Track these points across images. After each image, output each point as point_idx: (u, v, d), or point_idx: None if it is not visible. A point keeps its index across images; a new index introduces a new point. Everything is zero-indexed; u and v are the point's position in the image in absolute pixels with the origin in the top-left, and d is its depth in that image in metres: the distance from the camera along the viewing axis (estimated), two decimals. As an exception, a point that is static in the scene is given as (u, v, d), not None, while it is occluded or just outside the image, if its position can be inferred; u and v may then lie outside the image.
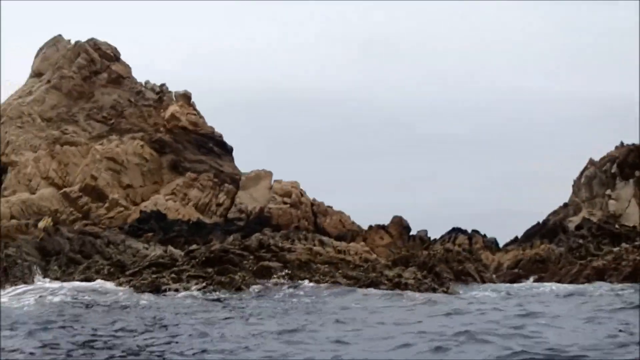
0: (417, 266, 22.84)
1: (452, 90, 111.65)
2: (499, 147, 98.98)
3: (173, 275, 19.07)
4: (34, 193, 34.02)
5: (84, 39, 40.69)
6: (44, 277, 20.00)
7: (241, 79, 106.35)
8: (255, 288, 17.95)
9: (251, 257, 20.13)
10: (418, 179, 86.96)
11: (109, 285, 18.21)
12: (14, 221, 24.46)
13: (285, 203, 38.79)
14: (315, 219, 38.91)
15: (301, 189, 39.97)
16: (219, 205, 38.33)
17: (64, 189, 34.87)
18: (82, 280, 19.62)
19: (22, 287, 17.83)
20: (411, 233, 34.18)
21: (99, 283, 18.64)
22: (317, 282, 18.89)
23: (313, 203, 39.62)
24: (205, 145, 40.08)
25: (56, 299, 15.83)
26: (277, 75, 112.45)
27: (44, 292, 16.90)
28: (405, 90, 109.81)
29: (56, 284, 18.59)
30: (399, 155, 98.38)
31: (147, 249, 22.70)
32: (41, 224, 29.34)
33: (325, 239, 24.20)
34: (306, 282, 18.72)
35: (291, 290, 17.65)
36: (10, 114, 37.01)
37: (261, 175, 40.33)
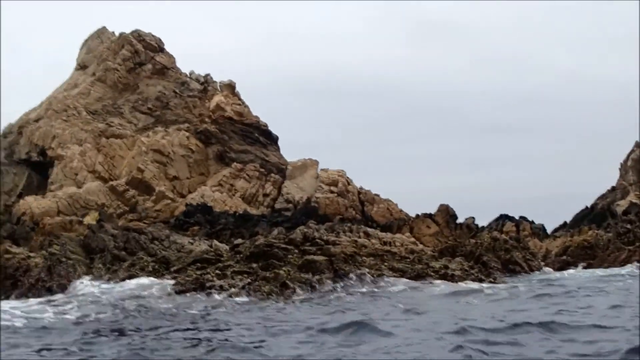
0: (463, 256, 22.20)
1: (503, 73, 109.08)
2: (545, 131, 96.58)
3: (217, 271, 18.56)
4: (80, 187, 34.04)
5: (144, 31, 40.57)
6: (88, 275, 19.74)
7: (291, 64, 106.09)
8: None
9: (296, 251, 19.49)
10: (468, 163, 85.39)
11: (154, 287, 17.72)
12: (58, 218, 24.32)
13: (332, 192, 38.10)
14: (362, 207, 38.14)
15: (347, 178, 39.22)
16: (265, 195, 37.86)
17: (111, 182, 34.82)
18: (126, 279, 19.27)
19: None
20: (459, 221, 33.20)
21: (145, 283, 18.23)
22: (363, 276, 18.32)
23: (360, 191, 38.83)
24: (250, 135, 39.61)
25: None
26: (326, 60, 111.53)
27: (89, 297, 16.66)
28: (456, 74, 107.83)
29: (105, 286, 18.25)
30: (446, 140, 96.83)
31: (192, 243, 22.27)
32: (88, 218, 29.35)
33: (370, 230, 23.43)
34: (367, 276, 18.17)
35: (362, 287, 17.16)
36: (56, 107, 37.12)
37: (307, 164, 39.71)
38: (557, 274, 22.77)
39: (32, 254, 20.92)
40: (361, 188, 39.14)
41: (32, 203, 32.63)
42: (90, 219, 28.51)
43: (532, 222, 34.32)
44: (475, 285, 17.94)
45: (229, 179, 37.28)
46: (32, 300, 17.63)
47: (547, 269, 24.82)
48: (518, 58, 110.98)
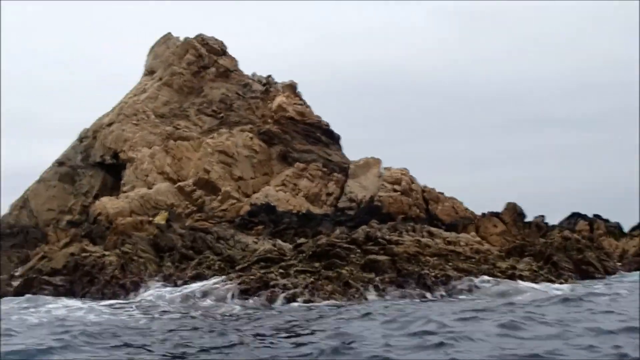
0: (532, 256, 21.87)
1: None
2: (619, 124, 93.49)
3: (281, 270, 19.06)
4: (151, 188, 35.25)
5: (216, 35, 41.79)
6: (158, 274, 20.56)
7: (346, 61, 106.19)
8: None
9: (358, 250, 19.78)
10: (533, 158, 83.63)
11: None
12: (129, 218, 25.37)
13: (395, 191, 38.14)
14: (427, 206, 38.03)
15: (411, 176, 39.17)
16: (329, 194, 38.24)
17: (179, 183, 35.91)
18: (194, 278, 19.97)
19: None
20: (527, 219, 32.61)
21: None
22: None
23: (424, 190, 38.71)
24: (312, 134, 40.07)
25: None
26: (378, 57, 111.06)
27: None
28: (513, 65, 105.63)
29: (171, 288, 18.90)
30: (509, 133, 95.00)
31: (256, 243, 22.88)
32: (158, 218, 30.41)
33: (434, 230, 23.46)
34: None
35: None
36: (127, 111, 38.54)
37: (370, 163, 39.86)
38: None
39: (106, 252, 21.96)
40: (425, 186, 39.02)
41: (107, 203, 33.98)
42: (160, 218, 29.53)
43: (607, 221, 32.95)
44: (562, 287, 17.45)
45: (292, 178, 37.83)
46: (118, 300, 18.37)
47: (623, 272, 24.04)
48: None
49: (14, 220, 35.94)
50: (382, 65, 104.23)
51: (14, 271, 25.31)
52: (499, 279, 18.24)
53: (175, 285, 19.41)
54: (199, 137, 38.17)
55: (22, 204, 36.71)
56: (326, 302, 16.56)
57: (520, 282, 18.17)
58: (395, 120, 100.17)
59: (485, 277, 18.19)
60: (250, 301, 17.06)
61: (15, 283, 21.57)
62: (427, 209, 37.75)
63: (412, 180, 38.89)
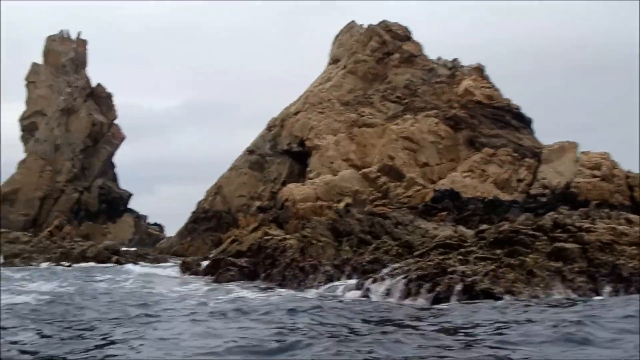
0: None
1: None
2: None
3: (460, 256, 18.12)
4: (336, 174, 35.67)
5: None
6: (336, 258, 20.52)
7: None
8: None
9: (544, 237, 18.22)
10: None
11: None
12: (309, 203, 25.72)
13: (594, 176, 35.26)
14: (631, 192, 34.69)
15: (612, 160, 35.94)
16: (519, 181, 36.28)
17: (363, 170, 35.97)
18: (371, 262, 19.66)
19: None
20: None
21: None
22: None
23: (628, 175, 35.36)
24: (501, 118, 38.22)
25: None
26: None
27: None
28: None
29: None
30: None
31: (436, 228, 22.07)
32: (342, 205, 30.65)
33: (632, 217, 21.06)
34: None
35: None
36: (312, 100, 39.37)
37: (565, 147, 37.19)
38: None
39: (287, 236, 22.40)
40: (629, 171, 35.61)
41: (294, 190, 34.95)
42: (344, 205, 29.73)
43: None
44: None
45: (480, 164, 36.38)
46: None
47: None
48: None
49: (209, 206, 38.26)
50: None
51: (209, 253, 26.80)
52: None
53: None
54: (383, 123, 37.98)
55: (216, 190, 38.97)
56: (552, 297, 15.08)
57: None
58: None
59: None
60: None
61: (204, 264, 22.73)
62: (631, 195, 34.45)
63: (614, 165, 35.70)
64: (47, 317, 11.57)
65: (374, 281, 18.79)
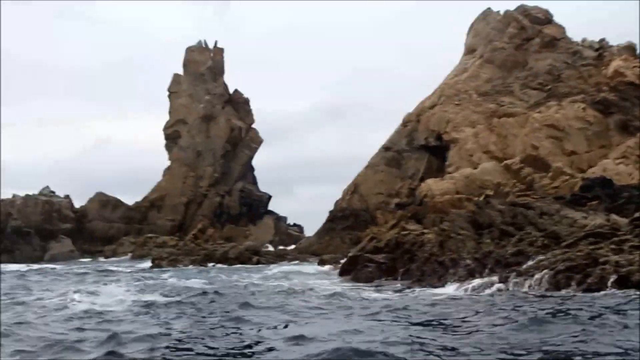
0: None
1: None
2: None
3: (612, 246, 16.71)
4: (476, 168, 34.45)
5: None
6: (477, 251, 19.68)
7: None
8: None
9: None
10: None
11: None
12: (447, 196, 24.91)
13: None
14: None
15: None
16: (680, 166, 33.22)
17: (505, 162, 34.48)
18: (514, 255, 18.65)
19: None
20: None
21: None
22: None
23: None
24: (658, 99, 35.20)
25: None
26: None
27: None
28: None
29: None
30: None
31: (585, 218, 20.54)
32: (482, 198, 29.48)
33: None
34: None
35: None
36: (448, 93, 38.33)
37: None
38: None
39: (425, 230, 21.80)
40: None
41: (432, 185, 34.15)
42: (484, 196, 28.58)
43: None
44: None
45: (635, 149, 33.67)
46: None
47: None
48: None
49: (346, 205, 38.25)
50: None
51: (347, 252, 26.70)
52: None
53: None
54: (524, 112, 36.21)
55: (353, 189, 38.90)
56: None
57: None
58: None
59: None
60: None
61: (342, 261, 22.62)
62: None
63: None
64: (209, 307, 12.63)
65: (519, 274, 17.83)
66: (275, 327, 9.74)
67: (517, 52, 38.19)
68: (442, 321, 10.03)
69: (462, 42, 41.49)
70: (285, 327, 9.83)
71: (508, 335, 8.11)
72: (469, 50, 40.53)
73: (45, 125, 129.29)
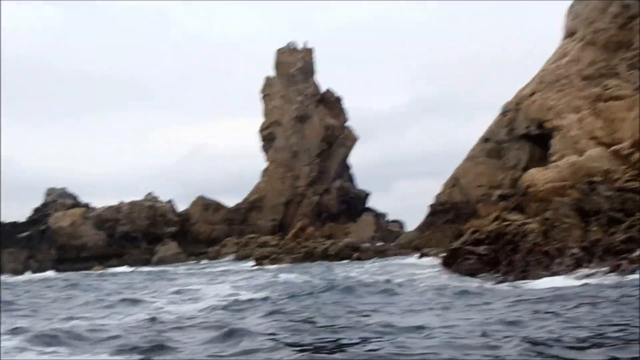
0: None
1: None
2: None
3: None
4: (581, 155, 32.97)
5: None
6: (584, 240, 18.93)
7: None
8: None
9: None
10: None
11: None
12: (548, 184, 24.01)
13: None
14: None
15: None
16: None
17: (613, 147, 32.78)
18: (624, 242, 17.82)
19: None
20: None
21: None
22: None
23: None
24: None
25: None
26: None
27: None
28: None
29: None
30: None
31: (703, 201, 19.32)
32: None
33: None
34: None
35: None
36: (548, 79, 36.89)
37: None
38: None
39: (527, 220, 21.16)
40: None
41: (536, 175, 32.90)
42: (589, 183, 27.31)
43: None
44: None
45: None
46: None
47: None
48: None
49: (447, 198, 37.56)
50: None
51: (449, 245, 26.29)
52: None
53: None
54: (632, 94, 34.29)
55: (453, 182, 38.13)
56: None
57: None
58: None
59: None
60: None
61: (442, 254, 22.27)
62: None
63: None
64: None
65: (632, 262, 17.07)
66: (395, 316, 10.43)
67: (621, 31, 36.18)
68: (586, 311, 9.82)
69: (559, 26, 39.81)
70: (403, 317, 10.20)
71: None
72: (569, 34, 38.79)
73: (146, 134, 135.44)
